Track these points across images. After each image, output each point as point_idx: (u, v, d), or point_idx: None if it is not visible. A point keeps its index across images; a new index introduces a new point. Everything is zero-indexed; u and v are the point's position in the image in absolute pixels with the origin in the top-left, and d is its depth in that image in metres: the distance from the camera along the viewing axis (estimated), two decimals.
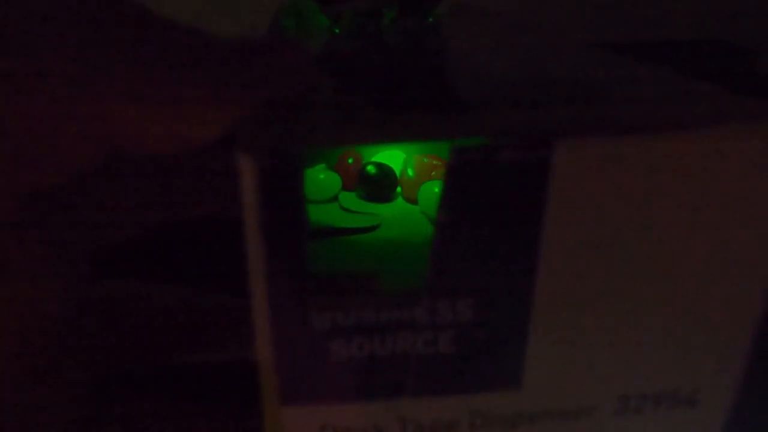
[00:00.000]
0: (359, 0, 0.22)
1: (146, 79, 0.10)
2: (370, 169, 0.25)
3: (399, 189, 0.26)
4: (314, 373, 0.11)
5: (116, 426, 0.13)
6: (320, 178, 0.26)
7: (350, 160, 0.26)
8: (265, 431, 0.11)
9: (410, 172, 0.25)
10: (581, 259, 0.10)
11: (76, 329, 0.12)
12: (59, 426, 0.12)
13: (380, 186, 0.25)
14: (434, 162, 0.26)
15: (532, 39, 0.18)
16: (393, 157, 0.26)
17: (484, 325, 0.11)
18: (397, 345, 0.11)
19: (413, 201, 0.25)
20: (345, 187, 0.28)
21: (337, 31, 0.22)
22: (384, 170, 0.25)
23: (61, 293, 0.11)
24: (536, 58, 0.15)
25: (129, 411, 0.13)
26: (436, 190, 0.24)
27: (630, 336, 0.11)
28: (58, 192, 0.10)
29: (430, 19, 0.22)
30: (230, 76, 0.10)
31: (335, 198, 0.26)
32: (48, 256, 0.11)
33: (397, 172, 0.26)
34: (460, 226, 0.10)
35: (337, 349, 0.11)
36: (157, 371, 0.14)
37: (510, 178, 0.10)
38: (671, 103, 0.11)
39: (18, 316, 0.10)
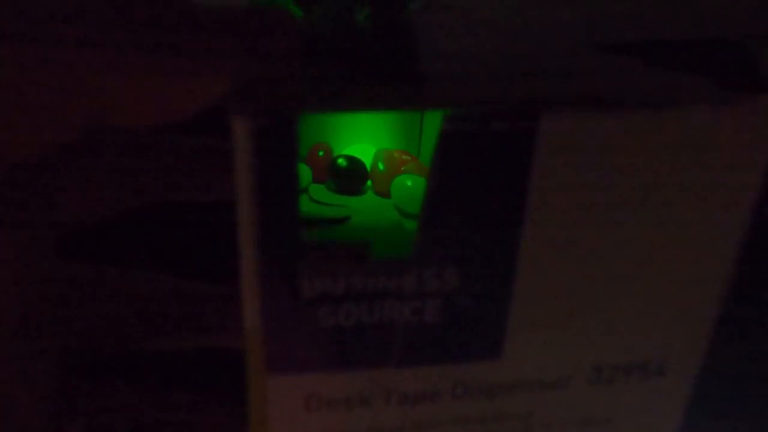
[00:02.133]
0: None
1: (137, 49, 0.10)
2: (341, 162, 0.25)
3: (369, 183, 0.26)
4: (301, 342, 0.11)
5: (85, 414, 0.12)
6: None
7: (321, 153, 0.26)
8: (248, 405, 0.11)
9: (381, 166, 0.26)
10: (562, 230, 0.11)
11: (39, 313, 0.11)
12: (26, 414, 0.12)
13: (351, 179, 0.25)
14: (404, 157, 0.26)
15: (512, 31, 0.19)
16: (363, 151, 0.27)
17: (469, 294, 0.11)
18: (384, 313, 0.11)
19: (384, 194, 0.25)
20: (315, 180, 0.28)
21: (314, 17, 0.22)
22: (355, 163, 0.25)
23: (22, 274, 0.11)
24: (519, 47, 0.15)
25: (98, 398, 0.13)
26: (409, 183, 0.24)
27: (604, 309, 0.12)
28: (29, 169, 0.10)
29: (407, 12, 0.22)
30: (219, 47, 0.10)
31: (305, 190, 0.26)
32: (9, 237, 0.11)
33: (368, 166, 0.26)
34: (449, 194, 0.10)
35: (324, 317, 0.11)
36: (125, 357, 0.14)
37: (498, 148, 0.10)
38: (644, 84, 0.12)
39: None
